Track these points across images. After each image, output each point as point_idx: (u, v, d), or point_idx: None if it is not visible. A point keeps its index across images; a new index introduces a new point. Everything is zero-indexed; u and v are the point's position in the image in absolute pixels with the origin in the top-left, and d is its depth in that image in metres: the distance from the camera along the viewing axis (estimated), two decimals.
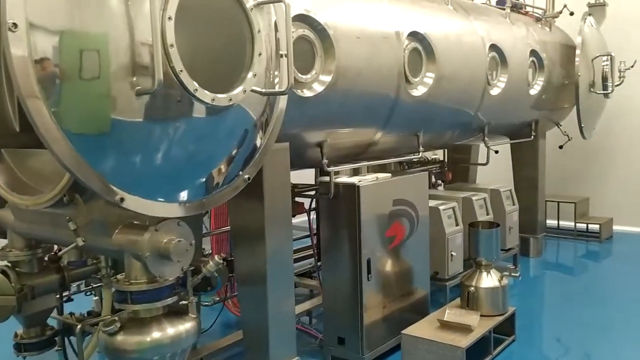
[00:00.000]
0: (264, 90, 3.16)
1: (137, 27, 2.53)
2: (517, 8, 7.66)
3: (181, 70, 2.59)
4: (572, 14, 8.16)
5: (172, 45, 2.54)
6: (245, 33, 3.01)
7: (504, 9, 6.94)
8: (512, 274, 4.96)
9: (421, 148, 5.44)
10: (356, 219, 4.45)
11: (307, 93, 3.92)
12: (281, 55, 3.29)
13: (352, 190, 4.45)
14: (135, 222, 3.01)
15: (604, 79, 7.89)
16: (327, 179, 4.51)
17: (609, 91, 7.96)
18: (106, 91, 2.52)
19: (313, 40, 3.93)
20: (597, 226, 8.87)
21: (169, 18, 2.53)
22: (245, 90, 2.97)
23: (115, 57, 2.51)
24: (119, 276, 3.05)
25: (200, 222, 4.62)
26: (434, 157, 8.29)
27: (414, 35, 4.92)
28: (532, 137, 7.66)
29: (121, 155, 2.68)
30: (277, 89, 3.34)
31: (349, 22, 4.23)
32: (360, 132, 4.78)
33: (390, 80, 4.65)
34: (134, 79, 2.54)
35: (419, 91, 5.01)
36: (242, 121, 3.24)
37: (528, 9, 7.95)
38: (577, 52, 7.52)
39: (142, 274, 2.92)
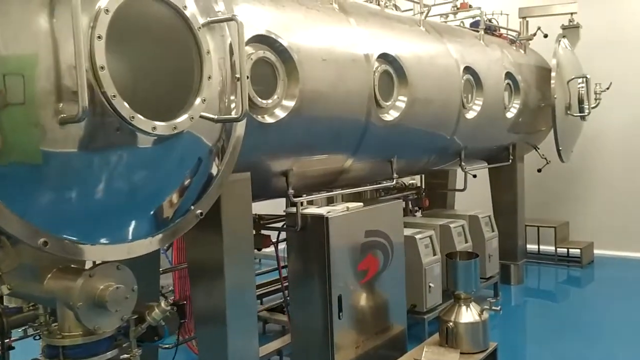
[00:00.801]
0: (216, 117, 2.88)
1: (64, 47, 2.23)
2: (491, 30, 7.55)
3: (114, 96, 2.29)
4: (546, 36, 8.08)
5: (102, 68, 2.25)
6: (194, 55, 2.73)
7: (477, 31, 6.79)
8: (493, 308, 4.68)
9: (395, 175, 5.19)
10: (325, 253, 4.15)
11: (268, 119, 3.64)
12: (237, 79, 3.05)
13: (321, 222, 4.16)
14: (71, 266, 2.68)
15: (580, 101, 7.77)
16: (294, 210, 4.21)
17: (586, 113, 7.84)
18: (29, 119, 2.22)
19: (274, 62, 3.67)
20: (578, 251, 8.67)
21: (99, 37, 2.24)
22: (192, 117, 2.68)
23: (39, 81, 2.21)
24: (51, 327, 2.70)
25: (156, 259, 4.28)
26: (411, 182, 8.09)
27: (384, 58, 4.70)
28: (510, 161, 7.47)
29: (48, 191, 2.36)
30: (233, 114, 3.06)
31: (314, 44, 3.99)
32: (329, 160, 4.51)
33: (359, 105, 4.40)
34: (61, 105, 2.24)
35: (390, 115, 4.78)
36: (194, 149, 2.95)
37: (502, 31, 7.86)
38: (553, 74, 7.39)
39: (76, 325, 2.58)
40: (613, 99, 8.51)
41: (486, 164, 7.61)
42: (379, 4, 5.88)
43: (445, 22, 7.35)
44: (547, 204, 9.53)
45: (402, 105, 4.86)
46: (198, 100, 2.71)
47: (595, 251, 8.96)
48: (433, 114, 5.36)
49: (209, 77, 2.76)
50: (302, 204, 4.24)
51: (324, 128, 4.14)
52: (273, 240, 4.71)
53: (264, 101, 3.62)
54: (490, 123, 6.50)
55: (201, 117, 2.78)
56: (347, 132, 4.40)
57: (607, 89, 8.23)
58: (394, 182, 5.22)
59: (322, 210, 4.25)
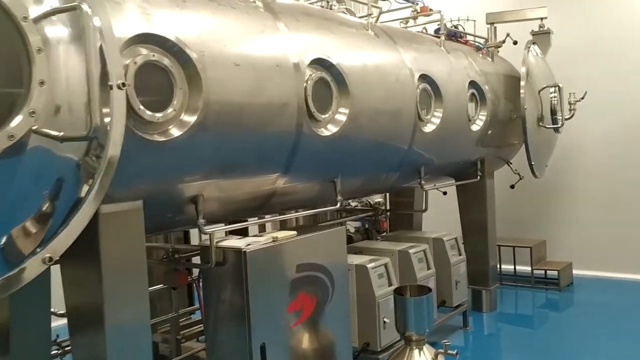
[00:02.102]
0: (60, 134, 2.23)
1: None
2: (455, 37, 6.99)
3: None
4: (515, 43, 7.55)
5: None
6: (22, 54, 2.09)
7: (438, 37, 6.21)
8: (448, 352, 4.03)
9: (339, 197, 4.54)
10: (243, 294, 3.49)
11: (157, 137, 2.99)
12: (109, 87, 2.45)
13: (238, 256, 3.51)
14: None
15: (553, 112, 7.22)
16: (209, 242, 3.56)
17: (559, 125, 7.28)
18: None
19: (169, 67, 3.03)
20: (556, 272, 8.06)
21: None
22: (12, 136, 2.03)
23: None
24: None
25: (46, 299, 3.57)
26: (377, 201, 7.48)
27: (319, 64, 4.09)
28: (478, 177, 6.87)
29: None
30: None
31: (225, 46, 3.35)
32: (253, 181, 3.86)
33: (287, 117, 3.77)
34: None
35: (328, 130, 4.15)
36: (36, 175, 2.30)
37: (470, 38, 7.30)
38: (522, 83, 6.83)
39: None
40: (589, 109, 7.97)
41: (453, 181, 7.03)
42: (331, 8, 5.33)
43: (406, 27, 6.78)
44: (523, 222, 8.95)
45: (343, 118, 4.23)
46: (22, 114, 2.06)
47: (575, 271, 8.37)
48: (382, 127, 4.75)
49: (41, 83, 2.11)
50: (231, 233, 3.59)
51: (239, 145, 3.50)
52: (192, 277, 4.04)
53: (156, 115, 2.97)
54: (452, 136, 5.91)
55: (36, 132, 2.13)
56: (271, 149, 3.76)
57: (582, 98, 7.68)
58: (339, 205, 4.57)
59: (241, 243, 3.60)
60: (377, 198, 7.47)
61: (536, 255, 8.29)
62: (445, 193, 7.68)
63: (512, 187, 7.94)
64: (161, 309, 5.16)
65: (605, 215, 8.38)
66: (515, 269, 8.49)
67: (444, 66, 5.84)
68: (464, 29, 7.49)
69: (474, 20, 7.67)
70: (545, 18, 7.57)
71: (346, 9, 5.53)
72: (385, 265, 5.18)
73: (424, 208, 6.33)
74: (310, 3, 5.39)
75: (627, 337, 6.17)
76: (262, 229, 4.37)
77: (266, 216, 4.56)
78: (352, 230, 7.78)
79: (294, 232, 4.00)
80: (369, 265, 4.98)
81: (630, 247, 8.19)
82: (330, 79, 4.16)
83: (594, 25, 8.25)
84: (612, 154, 8.35)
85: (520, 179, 7.80)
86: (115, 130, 2.57)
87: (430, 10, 6.58)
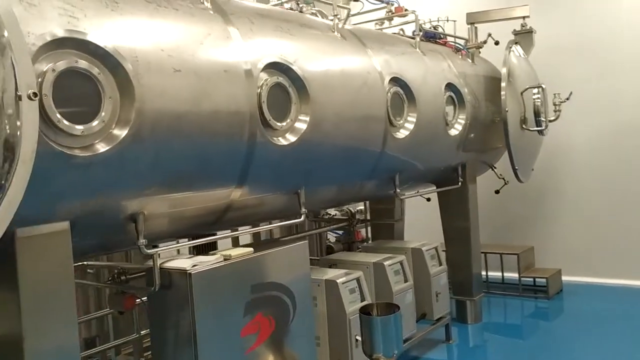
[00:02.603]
0: None
1: None
2: (434, 38, 6.75)
3: None
4: (497, 43, 7.30)
5: None
6: None
7: (413, 38, 5.96)
8: None
9: (303, 209, 4.27)
10: (190, 319, 3.21)
11: (82, 152, 2.72)
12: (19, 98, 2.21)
13: (183, 278, 3.23)
14: None
15: (536, 114, 6.96)
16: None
17: (543, 127, 7.02)
18: None
19: (95, 75, 2.76)
20: (545, 280, 7.79)
21: None
22: None
23: None
24: None
25: None
26: (359, 208, 7.22)
27: (276, 69, 3.83)
28: (459, 183, 6.60)
29: None
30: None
31: (162, 51, 3.08)
32: (203, 195, 3.58)
33: (237, 127, 3.50)
34: None
35: (286, 139, 3.89)
36: None
37: (450, 39, 7.05)
38: (503, 84, 6.57)
39: None
40: (576, 110, 7.74)
41: (434, 188, 6.77)
42: (301, 11, 5.07)
43: (381, 29, 6.53)
44: (510, 228, 8.70)
45: (303, 125, 3.97)
46: None
47: (564, 278, 8.09)
48: (349, 135, 4.48)
49: None
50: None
51: (182, 157, 3.23)
52: (142, 300, 3.76)
53: (78, 127, 2.69)
54: (429, 142, 5.65)
55: None
56: (221, 160, 3.49)
57: (567, 99, 7.41)
58: (303, 217, 4.30)
59: (188, 263, 3.32)
60: (360, 206, 7.22)
61: (524, 262, 8.03)
62: (429, 200, 7.43)
63: (497, 192, 7.68)
64: (125, 329, 4.92)
65: (595, 220, 8.13)
66: (503, 276, 8.22)
67: (419, 68, 5.59)
68: (443, 29, 7.24)
69: (454, 21, 7.41)
70: (528, 17, 7.33)
71: (318, 11, 5.26)
72: (358, 279, 4.92)
73: (399, 217, 6.03)
74: (277, 5, 5.14)
75: (619, 345, 5.92)
76: (212, 247, 4.06)
77: (226, 232, 4.28)
78: (333, 239, 7.55)
79: (250, 250, 3.73)
80: (339, 280, 4.71)
81: (622, 252, 7.92)
82: (288, 85, 3.89)
83: (579, 23, 8.02)
84: (601, 156, 8.10)
85: (506, 183, 7.53)
86: (25, 146, 2.30)
87: (406, 10, 6.32)
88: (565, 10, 8.14)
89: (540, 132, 7.14)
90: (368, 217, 6.90)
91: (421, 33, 5.99)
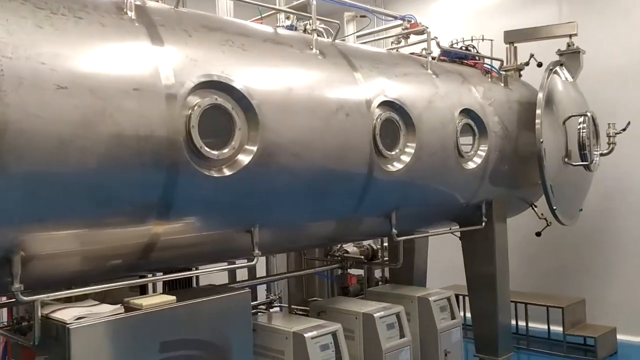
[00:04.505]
0: None
1: None
2: (460, 58, 6.00)
3: None
4: (540, 65, 6.48)
5: None
6: None
7: (424, 57, 5.25)
8: None
9: (256, 250, 3.68)
10: None
11: None
12: None
13: (63, 334, 2.72)
14: None
15: (582, 146, 5.99)
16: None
17: (589, 162, 6.02)
18: None
19: None
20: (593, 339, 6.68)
21: None
22: None
23: None
24: None
25: None
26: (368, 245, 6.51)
27: (214, 88, 3.30)
28: (483, 223, 5.74)
29: None
30: None
31: (44, 64, 2.63)
32: (110, 233, 3.06)
33: (148, 154, 2.98)
34: None
35: (231, 168, 3.33)
36: None
37: (486, 60, 6.26)
38: (538, 111, 5.69)
39: None
40: (635, 143, 6.67)
41: (457, 227, 5.96)
42: (305, 30, 4.58)
43: (395, 48, 5.86)
44: (559, 275, 7.62)
45: (248, 155, 3.40)
46: None
47: (619, 337, 6.93)
48: (316, 167, 3.85)
49: None
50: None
51: (68, 189, 2.74)
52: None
53: None
54: (435, 175, 4.90)
55: None
56: (126, 191, 2.97)
57: (624, 130, 6.39)
58: (256, 260, 3.70)
59: (74, 313, 2.81)
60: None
61: (572, 316, 6.97)
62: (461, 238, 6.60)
63: (538, 234, 6.73)
64: None
65: None
66: (549, 331, 7.17)
67: (424, 92, 4.88)
68: (477, 49, 6.47)
69: (491, 40, 6.63)
70: (575, 35, 6.42)
71: (316, 28, 4.67)
72: (334, 334, 4.24)
73: (397, 262, 5.26)
74: (256, 20, 4.65)
75: None
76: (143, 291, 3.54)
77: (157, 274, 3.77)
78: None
79: (171, 298, 3.18)
80: (307, 335, 4.06)
81: None
82: (231, 107, 3.35)
83: (636, 42, 6.92)
84: None
85: (548, 224, 6.58)
86: None
87: (424, 26, 5.61)
88: (622, 26, 7.06)
89: (587, 168, 6.15)
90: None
91: (432, 52, 5.25)
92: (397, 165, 4.46)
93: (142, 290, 3.74)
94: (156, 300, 3.12)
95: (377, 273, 6.75)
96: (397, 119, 4.45)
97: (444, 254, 6.96)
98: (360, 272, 6.47)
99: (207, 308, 3.31)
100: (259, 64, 3.65)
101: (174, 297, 3.20)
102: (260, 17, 4.61)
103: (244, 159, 3.40)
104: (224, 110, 3.32)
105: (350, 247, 6.52)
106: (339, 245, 5.95)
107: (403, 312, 4.84)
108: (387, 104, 4.40)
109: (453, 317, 5.33)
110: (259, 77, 3.58)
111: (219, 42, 3.51)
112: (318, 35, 4.69)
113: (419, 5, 8.91)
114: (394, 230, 4.73)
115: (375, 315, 4.63)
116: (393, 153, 4.41)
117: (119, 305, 2.97)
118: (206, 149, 3.20)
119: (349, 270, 6.06)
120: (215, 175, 3.27)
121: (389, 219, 4.73)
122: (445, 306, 5.31)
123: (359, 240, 5.86)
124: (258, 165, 3.45)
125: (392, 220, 4.72)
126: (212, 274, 3.94)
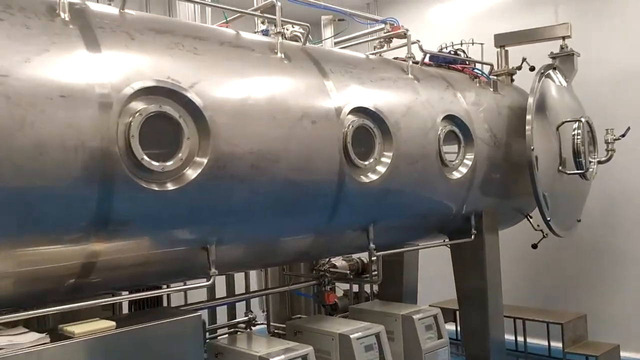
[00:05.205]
0: None
1: None
2: (448, 62, 5.73)
3: None
4: (532, 69, 6.18)
5: None
6: None
7: (404, 61, 4.97)
8: None
9: (213, 269, 3.40)
10: None
11: None
12: None
13: None
14: None
15: (576, 154, 5.67)
16: None
17: (585, 170, 5.69)
18: None
19: None
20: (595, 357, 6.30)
21: None
22: None
23: None
24: None
25: None
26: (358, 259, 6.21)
27: (160, 94, 3.04)
28: (472, 235, 5.43)
29: None
30: None
31: None
32: (40, 253, 2.80)
33: (83, 166, 2.73)
34: None
35: (178, 182, 3.07)
36: None
37: (476, 64, 5.97)
38: (528, 117, 5.39)
39: None
40: (635, 151, 6.32)
41: (447, 239, 5.66)
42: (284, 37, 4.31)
43: (377, 53, 5.59)
44: (560, 290, 7.23)
45: (195, 172, 3.13)
46: None
47: (623, 354, 6.53)
48: (278, 178, 3.57)
49: None
50: None
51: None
52: None
53: None
54: (416, 186, 4.60)
55: None
56: (56, 205, 2.71)
57: (623, 136, 6.06)
58: (212, 280, 3.43)
59: None
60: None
61: (572, 333, 6.57)
62: None
63: (534, 246, 6.39)
64: None
65: None
66: (549, 347, 6.79)
67: (403, 97, 4.60)
68: (466, 54, 6.19)
69: (481, 44, 6.34)
70: (569, 37, 6.11)
71: (281, 31, 4.36)
72: (305, 357, 3.94)
73: (377, 278, 4.96)
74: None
75: None
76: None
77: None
78: (341, 293, 6.55)
79: (110, 324, 2.90)
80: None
81: None
82: (178, 115, 3.09)
83: (635, 44, 6.59)
84: None
85: (544, 236, 6.23)
86: None
87: (405, 29, 5.33)
88: (619, 28, 6.72)
89: (583, 176, 5.82)
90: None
91: (413, 56, 4.97)
92: (372, 176, 4.17)
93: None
94: (92, 326, 2.85)
95: (368, 288, 6.46)
96: (371, 126, 4.17)
97: (441, 268, 6.63)
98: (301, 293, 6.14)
99: (152, 334, 3.03)
100: (212, 69, 3.40)
101: (113, 323, 2.93)
102: (225, 20, 4.37)
103: (192, 171, 3.14)
104: (170, 118, 3.07)
105: (338, 261, 6.22)
106: (327, 259, 5.68)
107: (384, 332, 4.53)
108: (360, 111, 4.12)
109: (440, 337, 5.01)
110: (212, 83, 3.32)
111: (166, 46, 3.26)
112: (291, 40, 4.46)
113: (416, 10, 8.65)
114: (372, 245, 4.43)
115: (351, 336, 4.33)
116: (367, 163, 4.12)
117: (44, 334, 2.70)
118: (147, 160, 2.94)
119: (336, 285, 5.78)
120: (157, 189, 3.01)
121: (366, 232, 4.44)
122: (431, 325, 4.99)
123: (339, 255, 5.56)
124: (209, 177, 3.18)
125: (369, 235, 4.43)
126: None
